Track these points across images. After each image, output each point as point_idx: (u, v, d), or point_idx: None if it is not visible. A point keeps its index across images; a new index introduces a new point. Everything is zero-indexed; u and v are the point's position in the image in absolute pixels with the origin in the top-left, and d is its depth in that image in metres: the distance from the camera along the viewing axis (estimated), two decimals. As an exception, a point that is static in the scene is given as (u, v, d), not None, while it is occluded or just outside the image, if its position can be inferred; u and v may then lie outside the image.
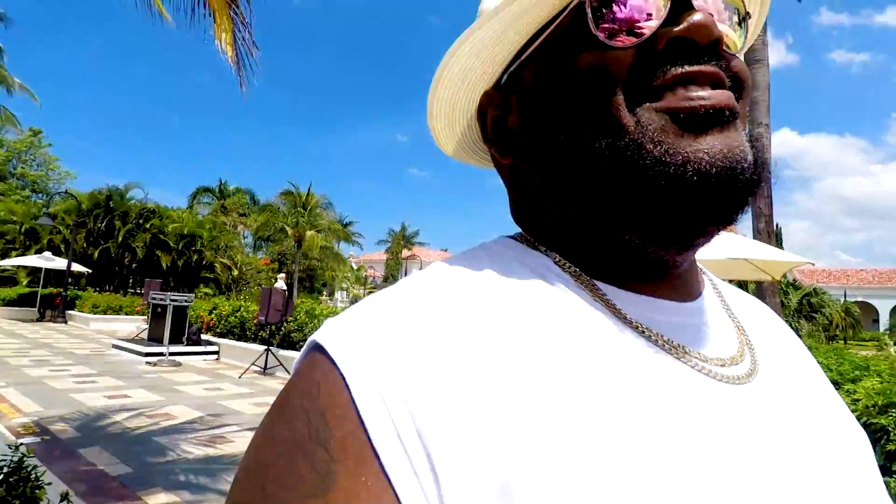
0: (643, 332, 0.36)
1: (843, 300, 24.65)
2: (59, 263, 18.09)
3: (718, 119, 0.34)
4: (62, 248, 21.01)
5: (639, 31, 0.35)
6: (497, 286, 0.37)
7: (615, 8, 0.35)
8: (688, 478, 0.30)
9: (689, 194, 0.33)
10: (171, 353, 9.86)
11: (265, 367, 8.99)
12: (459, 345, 0.32)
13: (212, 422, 5.63)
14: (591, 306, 0.37)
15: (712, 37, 0.34)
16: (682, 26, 0.34)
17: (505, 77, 0.42)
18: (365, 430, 0.29)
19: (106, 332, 15.09)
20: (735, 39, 0.39)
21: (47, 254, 18.81)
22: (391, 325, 0.33)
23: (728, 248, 3.61)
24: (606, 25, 0.35)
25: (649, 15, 0.35)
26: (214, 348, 10.88)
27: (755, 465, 0.33)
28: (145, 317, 11.45)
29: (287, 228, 27.87)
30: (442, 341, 0.32)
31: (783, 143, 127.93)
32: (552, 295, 0.37)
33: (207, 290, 23.94)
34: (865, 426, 3.48)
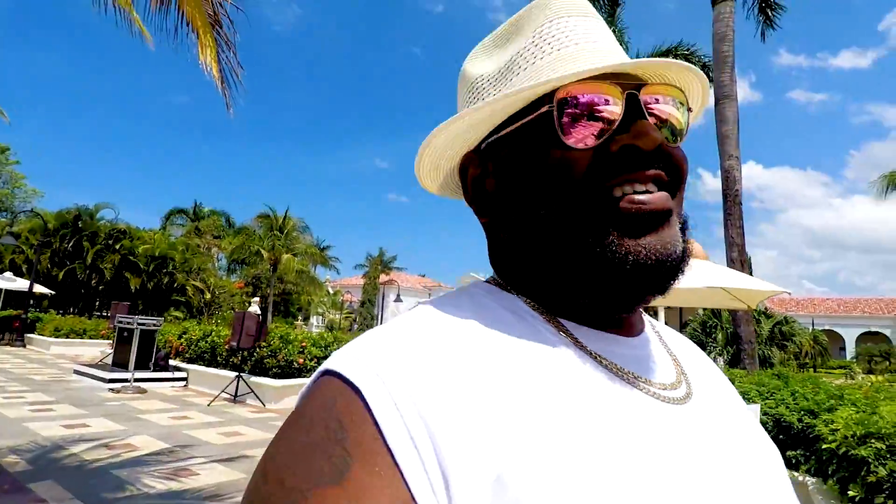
0: (601, 361, 0.43)
1: (811, 328, 25.29)
2: (21, 284, 17.38)
3: (656, 220, 0.41)
4: (24, 269, 20.22)
5: (596, 137, 0.42)
6: (480, 320, 0.43)
7: (579, 116, 0.42)
8: (642, 479, 0.36)
9: (629, 279, 0.41)
10: (137, 380, 9.44)
11: (235, 395, 8.67)
12: (456, 365, 0.38)
13: (176, 453, 5.35)
14: (558, 339, 0.43)
15: (655, 143, 0.42)
16: (630, 135, 0.41)
17: (484, 145, 0.49)
18: (379, 430, 0.34)
19: (68, 356, 14.43)
20: (682, 121, 0.46)
21: (8, 274, 18.07)
22: (396, 349, 0.39)
23: (706, 277, 3.63)
24: (570, 131, 0.42)
25: (606, 123, 0.42)
26: (183, 374, 10.47)
27: (697, 470, 0.40)
28: (110, 341, 11.00)
29: (262, 252, 27.43)
30: (442, 361, 0.38)
31: (750, 176, 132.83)
32: (527, 329, 0.43)
33: (178, 314, 23.25)
34: (845, 457, 3.50)
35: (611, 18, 17.58)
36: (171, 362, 10.82)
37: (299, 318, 37.30)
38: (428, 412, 0.34)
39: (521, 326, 0.43)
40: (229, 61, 4.77)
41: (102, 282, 22.21)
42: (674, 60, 0.44)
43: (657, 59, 0.44)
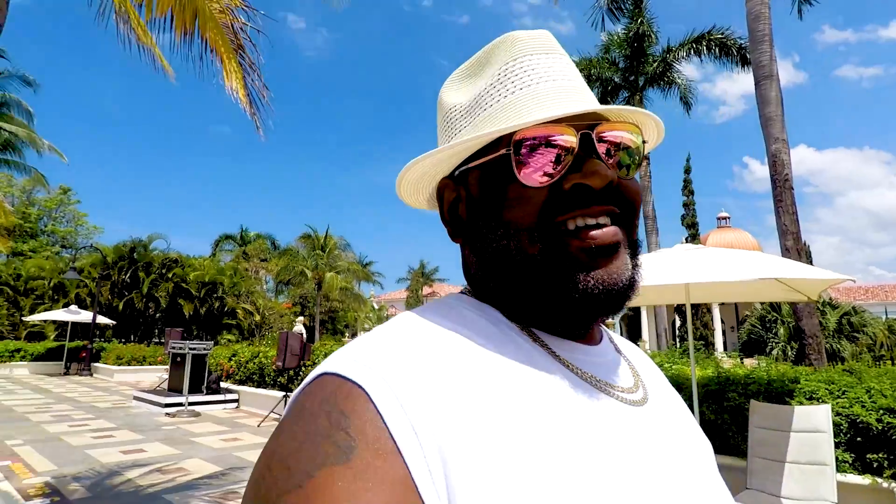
0: (570, 367, 0.47)
1: (884, 317, 23.50)
2: (85, 316, 18.37)
3: (604, 253, 0.45)
4: (88, 302, 21.40)
5: (550, 176, 0.45)
6: (462, 327, 0.46)
7: (534, 156, 0.45)
8: (606, 471, 0.40)
9: (580, 306, 0.46)
10: (191, 403, 9.73)
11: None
12: (442, 364, 0.41)
13: (226, 476, 5.42)
14: (531, 347, 0.47)
15: (605, 182, 0.45)
16: (581, 174, 0.45)
17: (457, 172, 0.53)
18: (381, 418, 0.36)
19: (130, 383, 15.11)
20: (637, 155, 0.49)
21: (73, 307, 19.14)
22: (389, 349, 0.41)
23: (757, 269, 3.35)
24: (525, 171, 0.46)
25: (559, 163, 0.45)
26: (234, 396, 10.73)
27: (655, 464, 0.44)
28: (166, 367, 11.41)
29: (307, 271, 28.04)
30: (431, 360, 0.41)
31: (801, 160, 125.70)
32: (503, 337, 0.47)
33: (230, 337, 24.02)
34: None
35: (637, 10, 17.15)
36: (223, 384, 11.11)
37: (347, 334, 37.84)
38: (424, 404, 0.37)
39: (498, 334, 0.47)
40: (255, 84, 4.85)
41: (159, 309, 23.23)
42: (621, 107, 0.48)
43: (606, 106, 0.47)
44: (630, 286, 0.47)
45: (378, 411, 0.36)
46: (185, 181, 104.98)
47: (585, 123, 0.46)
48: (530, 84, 0.49)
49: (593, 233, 0.45)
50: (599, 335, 0.55)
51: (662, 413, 0.51)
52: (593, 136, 0.46)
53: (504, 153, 0.47)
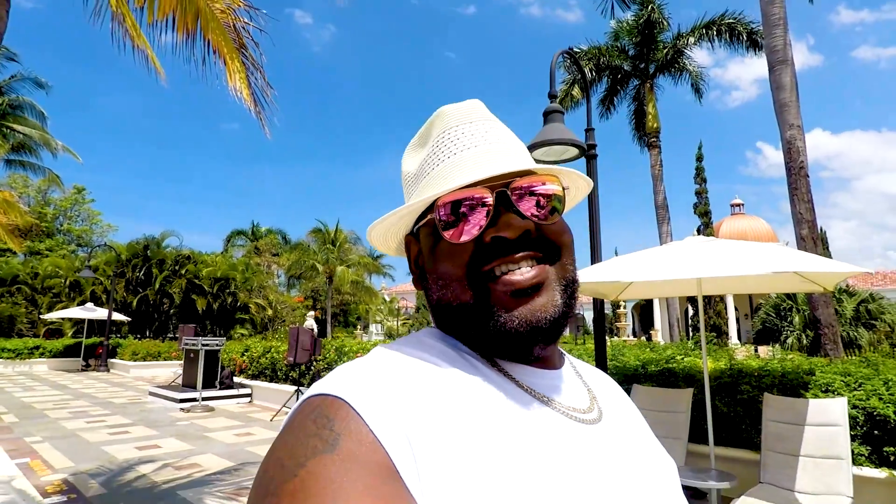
0: (527, 390, 0.52)
1: (903, 304, 23.04)
2: (101, 313, 18.65)
3: (524, 293, 0.51)
4: (104, 299, 21.71)
5: (471, 233, 0.52)
6: (428, 354, 0.52)
7: (456, 217, 0.52)
8: (559, 486, 0.44)
9: (511, 341, 0.52)
10: (205, 398, 9.86)
11: (296, 409, 8.86)
12: (412, 382, 0.46)
13: (238, 472, 5.48)
14: (490, 371, 0.53)
15: (519, 232, 0.52)
16: (497, 228, 0.52)
17: (416, 229, 0.60)
18: (362, 419, 0.41)
19: (145, 378, 15.34)
20: (556, 199, 0.55)
21: (89, 304, 19.44)
22: (370, 373, 0.47)
23: (770, 262, 3.27)
24: (449, 230, 0.52)
25: (476, 220, 0.52)
26: (247, 391, 10.84)
27: (606, 481, 0.48)
28: (181, 362, 11.56)
29: (318, 265, 28.17)
30: (402, 380, 0.46)
31: (816, 145, 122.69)
32: (466, 364, 0.52)
33: (243, 331, 24.24)
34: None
35: (648, -5, 16.82)
36: (236, 379, 11.22)
37: (359, 327, 38.05)
38: (395, 407, 0.43)
39: (459, 359, 0.53)
40: (258, 83, 4.83)
41: (172, 305, 23.47)
42: (531, 165, 0.54)
43: (514, 166, 0.53)
44: (558, 320, 0.52)
45: (358, 414, 0.41)
46: (197, 178, 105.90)
47: (501, 182, 0.53)
48: (456, 153, 0.57)
49: (512, 277, 0.51)
50: (559, 362, 0.60)
51: (617, 432, 0.56)
52: (508, 192, 0.52)
53: (431, 217, 0.55)
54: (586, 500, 0.45)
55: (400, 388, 0.45)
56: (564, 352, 0.66)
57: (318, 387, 0.45)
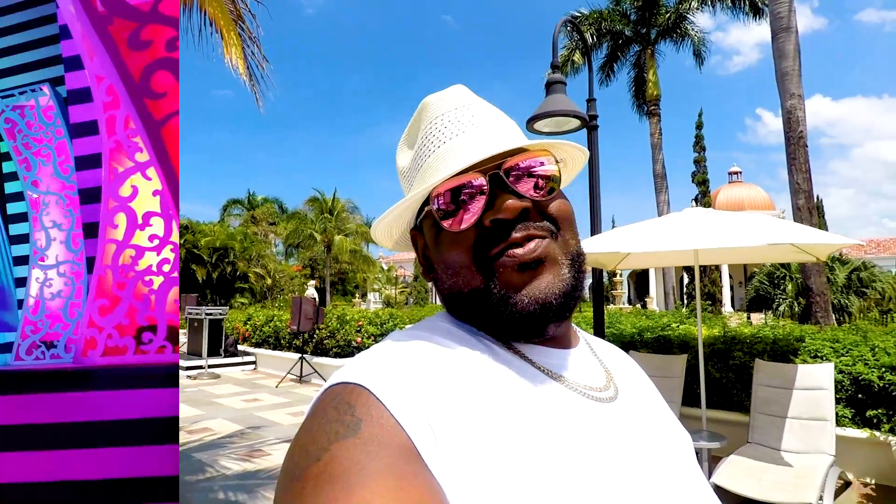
0: (543, 370, 0.54)
1: (895, 271, 23.39)
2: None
3: (528, 266, 0.51)
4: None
5: (470, 220, 0.53)
6: (443, 337, 0.53)
7: (453, 206, 0.53)
8: (575, 465, 0.45)
9: (523, 322, 0.52)
10: (210, 366, 10.08)
11: (301, 376, 9.09)
12: (429, 365, 0.48)
13: (248, 435, 5.69)
14: (510, 354, 0.54)
15: (517, 212, 0.52)
16: (494, 211, 0.52)
17: (419, 222, 0.61)
18: (383, 404, 0.42)
19: (149, 347, 15.55)
20: (552, 173, 0.55)
21: (90, 274, 19.50)
22: (386, 359, 0.48)
23: (767, 234, 3.37)
24: (447, 219, 0.53)
25: (473, 206, 0.52)
26: (251, 358, 11.08)
27: (622, 458, 0.49)
28: (185, 331, 11.76)
29: (315, 234, 28.23)
30: (420, 364, 0.47)
31: (816, 111, 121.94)
32: (485, 347, 0.53)
33: (243, 300, 24.46)
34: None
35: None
36: (240, 347, 11.44)
37: (357, 295, 38.36)
38: (414, 391, 0.44)
39: (478, 344, 0.54)
40: (254, 55, 4.80)
41: (172, 275, 23.59)
42: (522, 142, 0.54)
43: (501, 147, 0.53)
44: (568, 294, 0.53)
45: (378, 399, 0.42)
46: (188, 147, 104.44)
47: (493, 165, 0.53)
48: (444, 142, 0.57)
49: (515, 251, 0.51)
50: (574, 341, 0.61)
51: (634, 409, 0.57)
52: (501, 173, 0.53)
53: (430, 209, 0.55)
54: (603, 478, 0.45)
55: (418, 373, 0.46)
56: (580, 330, 0.67)
57: (337, 376, 0.47)
